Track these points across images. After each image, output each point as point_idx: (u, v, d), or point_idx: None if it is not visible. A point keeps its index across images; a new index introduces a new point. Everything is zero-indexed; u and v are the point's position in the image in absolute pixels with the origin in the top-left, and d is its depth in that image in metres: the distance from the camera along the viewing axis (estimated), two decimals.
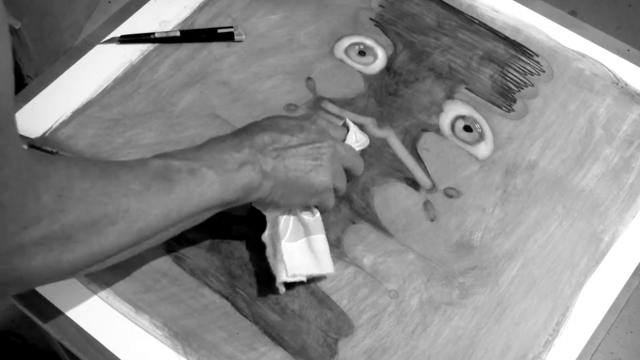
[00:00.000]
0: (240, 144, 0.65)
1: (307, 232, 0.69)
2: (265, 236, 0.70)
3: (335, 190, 0.70)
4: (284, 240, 0.68)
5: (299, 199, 0.68)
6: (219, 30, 0.87)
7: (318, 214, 0.70)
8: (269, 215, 0.70)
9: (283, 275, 0.68)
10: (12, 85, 0.48)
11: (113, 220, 0.56)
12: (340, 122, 0.75)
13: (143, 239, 0.60)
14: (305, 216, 0.69)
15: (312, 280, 0.71)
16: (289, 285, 0.70)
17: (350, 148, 0.72)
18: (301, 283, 0.70)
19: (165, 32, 0.86)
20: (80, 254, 0.55)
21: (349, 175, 0.72)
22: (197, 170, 0.61)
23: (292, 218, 0.69)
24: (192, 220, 0.63)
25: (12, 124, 0.49)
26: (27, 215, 0.51)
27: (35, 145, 0.78)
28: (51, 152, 0.77)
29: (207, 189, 0.61)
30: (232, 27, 0.87)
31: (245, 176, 0.63)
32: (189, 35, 0.87)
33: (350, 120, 0.75)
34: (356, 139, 0.74)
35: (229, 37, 0.87)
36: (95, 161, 0.59)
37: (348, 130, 0.74)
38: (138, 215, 0.57)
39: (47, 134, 0.79)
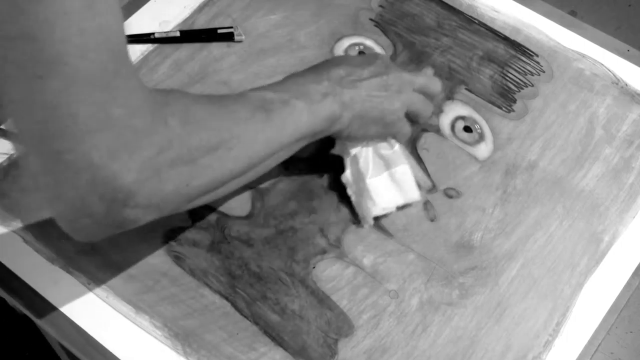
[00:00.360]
0: (319, 76, 0.68)
1: (387, 165, 0.73)
2: (347, 175, 0.73)
3: (414, 117, 0.74)
4: (368, 178, 0.72)
5: (374, 129, 0.71)
6: (219, 31, 0.87)
7: (397, 146, 0.73)
8: (347, 155, 0.73)
9: (373, 210, 0.72)
10: (122, 21, 0.52)
11: (229, 146, 0.59)
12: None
13: (251, 166, 0.63)
14: (384, 150, 0.73)
15: (401, 208, 0.75)
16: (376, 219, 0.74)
17: (426, 77, 0.75)
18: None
19: (165, 32, 0.86)
20: (205, 179, 0.59)
21: (416, 117, 0.74)
22: (289, 101, 0.65)
23: (370, 153, 0.73)
24: (287, 152, 0.67)
25: (129, 58, 0.53)
26: (160, 139, 0.54)
27: None
28: None
29: (299, 118, 0.65)
30: (232, 27, 0.87)
31: (328, 107, 0.67)
32: (189, 35, 0.87)
33: None
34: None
35: (229, 37, 0.87)
36: (201, 94, 0.63)
37: None
38: (247, 142, 0.61)
39: None
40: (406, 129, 0.74)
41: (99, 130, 0.50)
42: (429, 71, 0.77)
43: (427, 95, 0.74)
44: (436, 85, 0.75)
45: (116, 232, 0.56)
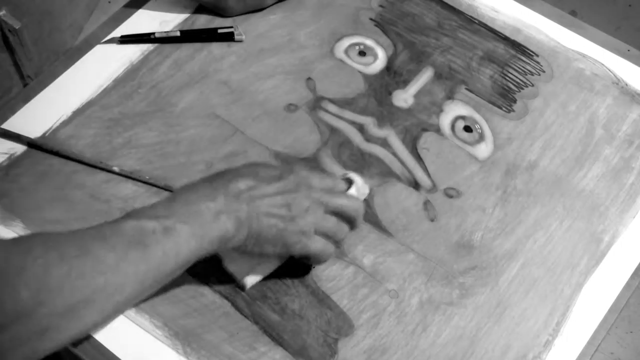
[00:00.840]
0: (215, 192, 0.63)
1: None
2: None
3: (327, 238, 0.68)
4: None
5: (271, 249, 0.66)
6: (219, 30, 0.87)
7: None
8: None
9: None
10: None
11: (90, 301, 0.56)
12: (341, 174, 0.72)
13: (119, 312, 0.63)
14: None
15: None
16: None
17: (346, 198, 0.68)
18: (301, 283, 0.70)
19: (165, 32, 0.87)
20: (58, 340, 0.56)
21: (348, 224, 0.69)
22: (172, 229, 0.60)
23: None
24: (167, 281, 0.63)
25: None
26: (5, 314, 0.51)
27: (35, 145, 0.78)
28: (51, 152, 0.77)
29: (183, 247, 0.60)
30: (232, 27, 0.87)
31: (221, 227, 0.62)
32: (189, 35, 0.87)
33: (350, 119, 0.75)
34: (358, 192, 0.70)
35: (229, 37, 0.87)
36: (72, 235, 0.58)
37: (351, 183, 0.70)
38: (114, 290, 0.57)
39: (47, 134, 0.79)
40: (319, 248, 0.67)
41: None
42: (429, 72, 0.74)
43: (344, 217, 0.68)
44: (355, 208, 0.68)
45: None
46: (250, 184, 0.64)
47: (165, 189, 0.76)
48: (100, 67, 0.84)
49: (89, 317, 0.57)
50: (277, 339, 0.68)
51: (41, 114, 0.80)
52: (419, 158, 0.80)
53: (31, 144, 0.78)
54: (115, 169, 0.76)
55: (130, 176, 0.76)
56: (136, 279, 0.59)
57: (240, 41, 0.87)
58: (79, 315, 0.56)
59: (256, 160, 0.74)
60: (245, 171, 0.66)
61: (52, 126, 0.80)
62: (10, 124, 0.80)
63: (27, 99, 0.82)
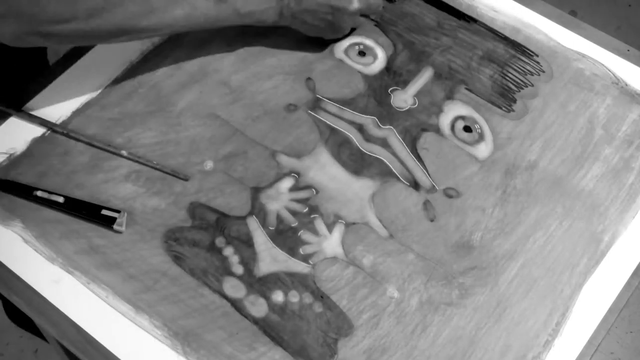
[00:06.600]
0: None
1: None
2: None
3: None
4: None
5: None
6: (103, 212, 0.74)
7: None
8: None
9: None
10: None
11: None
12: None
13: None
14: None
15: None
16: None
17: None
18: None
19: (48, 193, 0.75)
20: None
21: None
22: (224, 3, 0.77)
23: None
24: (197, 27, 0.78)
25: None
26: None
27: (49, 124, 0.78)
28: (63, 134, 0.77)
29: (224, 20, 0.78)
30: (119, 212, 0.74)
31: (262, 19, 0.81)
32: (73, 204, 0.74)
33: (350, 119, 0.75)
34: None
35: (109, 221, 0.74)
36: None
37: None
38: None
39: (47, 134, 0.79)
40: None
41: None
42: (429, 72, 0.78)
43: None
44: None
45: None
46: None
47: (172, 175, 0.76)
48: (100, 67, 0.84)
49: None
50: (277, 339, 0.68)
51: (41, 114, 0.80)
52: (418, 158, 0.80)
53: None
54: (124, 152, 0.77)
55: (138, 160, 0.76)
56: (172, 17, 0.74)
57: (120, 232, 0.73)
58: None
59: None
60: None
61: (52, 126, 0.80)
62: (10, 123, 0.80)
63: (27, 99, 0.82)
